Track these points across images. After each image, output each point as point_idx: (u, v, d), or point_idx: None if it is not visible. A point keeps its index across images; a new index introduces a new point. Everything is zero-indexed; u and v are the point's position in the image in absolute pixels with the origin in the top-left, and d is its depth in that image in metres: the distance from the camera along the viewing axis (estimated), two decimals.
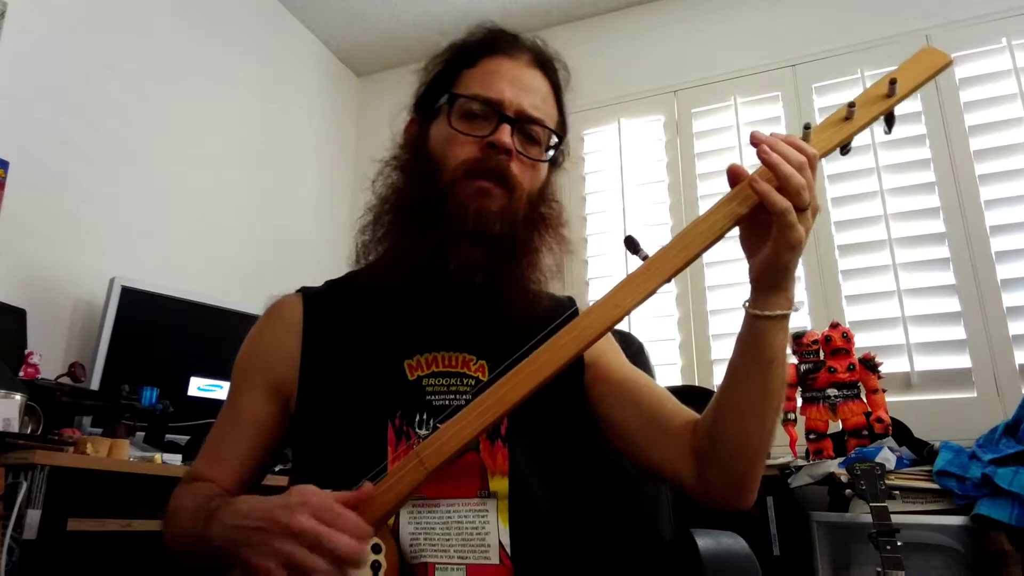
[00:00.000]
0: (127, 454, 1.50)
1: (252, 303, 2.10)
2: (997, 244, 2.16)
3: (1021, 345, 2.08)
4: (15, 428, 1.35)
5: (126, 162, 2.19)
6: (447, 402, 0.78)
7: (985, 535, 1.53)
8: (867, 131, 2.39)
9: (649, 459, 0.81)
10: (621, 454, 0.86)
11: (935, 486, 1.63)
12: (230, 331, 2.08)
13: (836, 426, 1.89)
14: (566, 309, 0.91)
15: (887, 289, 2.24)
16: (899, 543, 1.41)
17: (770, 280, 0.69)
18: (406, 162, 0.88)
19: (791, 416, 1.94)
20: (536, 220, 0.85)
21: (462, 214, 0.79)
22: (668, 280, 0.66)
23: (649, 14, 2.93)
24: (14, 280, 1.82)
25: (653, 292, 0.66)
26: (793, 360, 1.98)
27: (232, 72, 2.68)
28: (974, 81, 2.31)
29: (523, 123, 0.83)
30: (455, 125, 0.83)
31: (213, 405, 1.97)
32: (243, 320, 2.07)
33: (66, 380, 1.76)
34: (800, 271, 2.37)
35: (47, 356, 1.77)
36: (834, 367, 1.91)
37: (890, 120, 0.72)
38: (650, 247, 0.69)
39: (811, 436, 1.90)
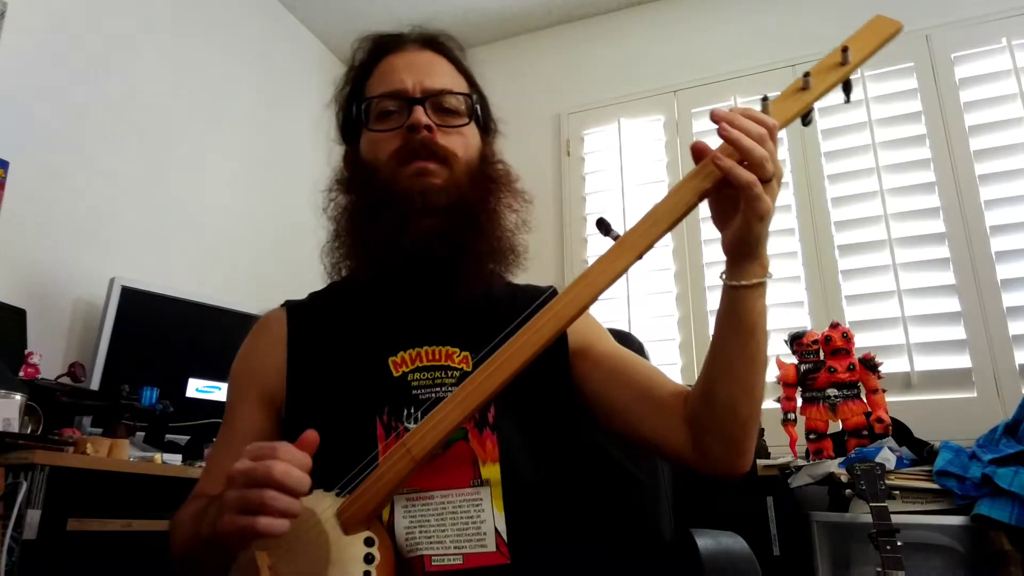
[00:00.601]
0: (127, 454, 1.50)
1: (252, 303, 2.11)
2: (997, 244, 2.16)
3: (1021, 345, 2.08)
4: (15, 428, 1.35)
5: (126, 162, 2.19)
6: (433, 395, 0.79)
7: (985, 535, 1.53)
8: (867, 130, 2.39)
9: (644, 434, 0.83)
10: (616, 435, 0.87)
11: (935, 486, 1.63)
12: (230, 331, 2.09)
13: (836, 426, 1.89)
14: (549, 298, 0.92)
15: (887, 289, 2.24)
16: (899, 543, 1.41)
17: (743, 251, 0.71)
18: (346, 181, 0.92)
19: (791, 416, 1.94)
20: (484, 182, 0.88)
21: (408, 197, 0.81)
22: (640, 257, 0.68)
23: (649, 14, 2.93)
24: (14, 280, 1.82)
25: (625, 270, 0.68)
26: (793, 360, 1.98)
27: (232, 72, 2.68)
28: (974, 81, 2.31)
29: (432, 97, 0.86)
30: (375, 128, 0.86)
31: (211, 406, 1.97)
32: (243, 320, 2.07)
33: (66, 380, 1.76)
34: (800, 271, 2.37)
35: (47, 356, 1.77)
36: (834, 367, 1.91)
37: (847, 88, 0.73)
38: (599, 217, 0.71)
39: (811, 436, 1.90)
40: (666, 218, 0.68)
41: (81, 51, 2.09)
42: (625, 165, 2.74)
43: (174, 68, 2.42)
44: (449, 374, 0.81)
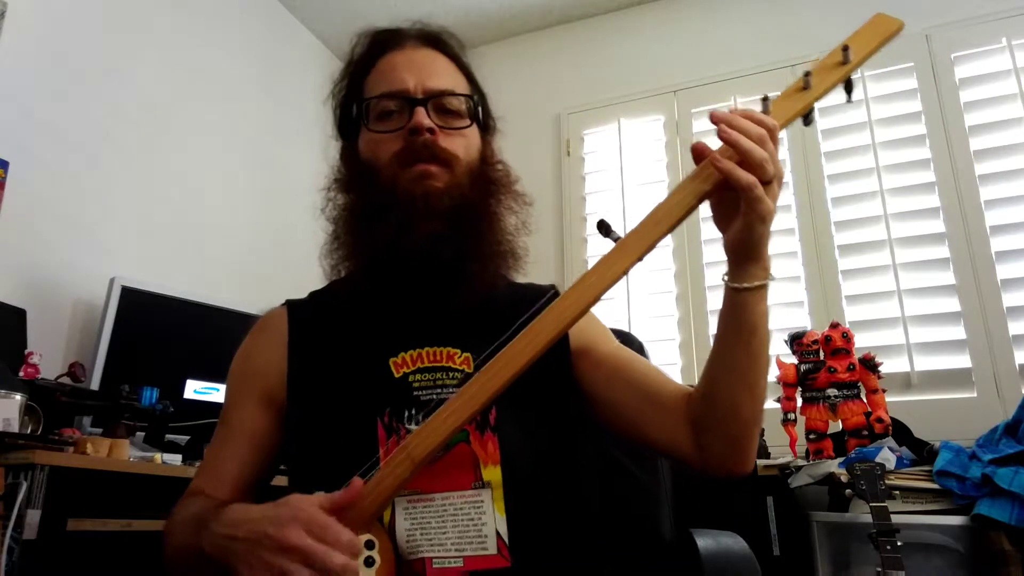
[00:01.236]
0: (127, 454, 1.50)
1: (252, 303, 2.11)
2: (997, 244, 2.16)
3: (1021, 345, 2.08)
4: (15, 428, 1.35)
5: (126, 162, 2.19)
6: (434, 397, 0.79)
7: (985, 535, 1.53)
8: (867, 130, 2.39)
9: (646, 434, 0.83)
10: (618, 435, 0.87)
11: (935, 486, 1.63)
12: (230, 331, 2.09)
13: (836, 426, 1.89)
14: (550, 298, 0.92)
15: (887, 289, 2.25)
16: (899, 543, 1.41)
17: (745, 253, 0.71)
18: (345, 180, 0.91)
19: (791, 416, 1.94)
20: (485, 184, 0.87)
21: (411, 200, 0.80)
22: (640, 259, 0.68)
23: (649, 14, 2.94)
24: (14, 280, 1.82)
25: (626, 272, 0.67)
26: (793, 360, 1.98)
27: (232, 72, 2.68)
28: (974, 81, 2.31)
29: (434, 98, 0.85)
30: (373, 128, 0.85)
31: (209, 407, 1.97)
32: (243, 320, 2.07)
33: (66, 380, 1.76)
34: (800, 271, 2.37)
35: (47, 356, 1.77)
36: (834, 367, 1.91)
37: (848, 87, 0.72)
38: (600, 218, 0.70)
39: (811, 436, 1.90)
40: (666, 220, 0.68)
41: (81, 51, 2.09)
42: (625, 165, 2.74)
43: (174, 68, 2.42)
44: (450, 375, 0.81)
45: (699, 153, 0.69)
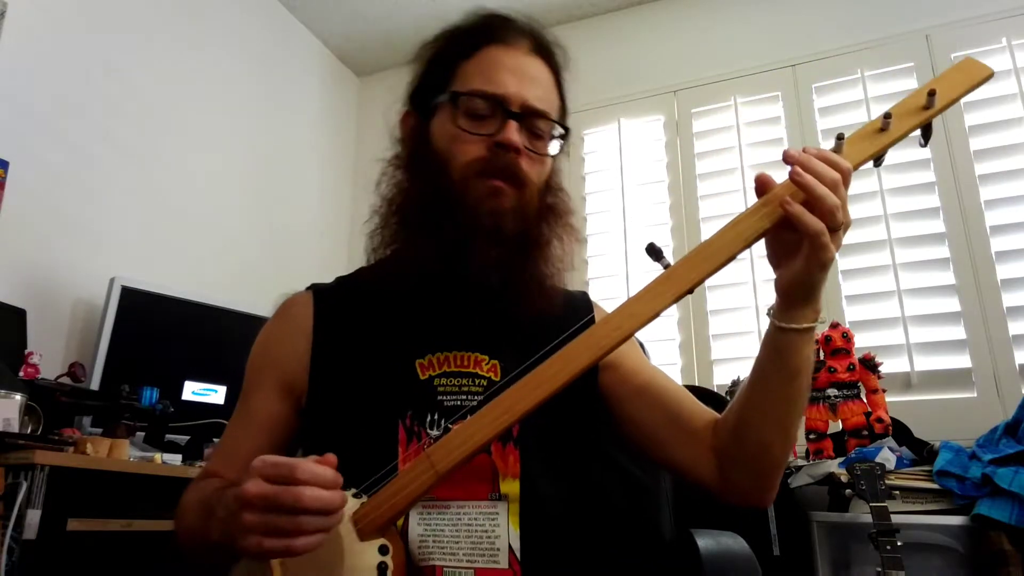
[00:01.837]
0: (127, 454, 1.50)
1: (252, 303, 2.11)
2: (997, 244, 2.16)
3: (1021, 345, 2.08)
4: (15, 428, 1.35)
5: (126, 162, 2.19)
6: (458, 402, 0.78)
7: (985, 535, 1.53)
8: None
9: (670, 457, 0.81)
10: (642, 453, 0.85)
11: (935, 486, 1.63)
12: (230, 332, 2.10)
13: (836, 426, 1.89)
14: (579, 305, 0.91)
15: (887, 289, 2.24)
16: (899, 543, 1.41)
17: (799, 295, 0.68)
18: (409, 160, 0.86)
19: None
20: (545, 212, 0.84)
21: (477, 214, 0.77)
22: (689, 292, 0.65)
23: (649, 14, 2.93)
24: (14, 280, 1.82)
25: (671, 304, 0.65)
26: None
27: (232, 72, 2.68)
28: None
29: (529, 118, 0.81)
30: (460, 124, 0.80)
31: (207, 409, 1.97)
32: (243, 321, 2.08)
33: (66, 380, 1.76)
34: None
35: (47, 356, 1.77)
36: (834, 367, 1.91)
37: (927, 132, 0.69)
38: (649, 241, 0.69)
39: (811, 436, 1.90)
40: (720, 255, 0.65)
41: (81, 51, 2.09)
42: (625, 165, 2.74)
43: (174, 68, 2.42)
44: (476, 382, 0.79)
45: (763, 185, 0.66)
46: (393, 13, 2.97)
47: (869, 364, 1.90)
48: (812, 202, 0.63)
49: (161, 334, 2.00)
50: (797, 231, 0.64)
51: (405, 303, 0.81)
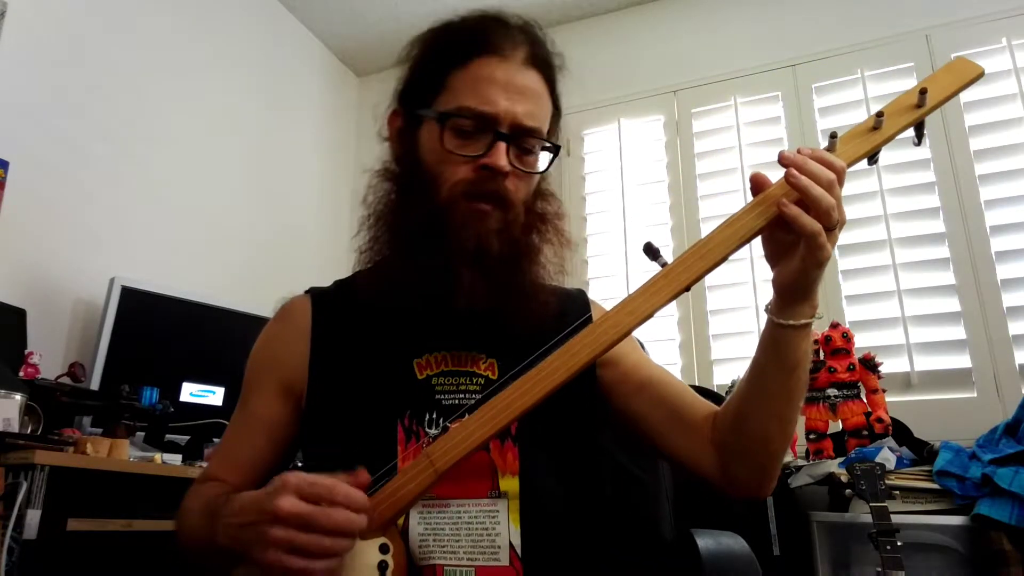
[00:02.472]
0: (127, 454, 1.50)
1: (252, 303, 2.11)
2: (997, 244, 2.16)
3: (1021, 345, 2.08)
4: (15, 428, 1.35)
5: (126, 162, 2.19)
6: (457, 401, 0.78)
7: (985, 535, 1.53)
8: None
9: (670, 451, 0.82)
10: (643, 447, 0.86)
11: (935, 486, 1.63)
12: (230, 332, 2.10)
13: (836, 426, 1.89)
14: (576, 303, 0.91)
15: (887, 289, 2.24)
16: (899, 543, 1.41)
17: (796, 293, 0.69)
18: (397, 173, 0.86)
19: None
20: (533, 221, 0.84)
21: (461, 237, 0.77)
22: (686, 290, 0.66)
23: (649, 14, 2.93)
24: (14, 280, 1.82)
25: (669, 301, 0.66)
26: None
27: (232, 72, 2.68)
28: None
29: (518, 136, 0.80)
30: (447, 145, 0.78)
31: (205, 411, 1.97)
32: (243, 321, 2.07)
33: (66, 380, 1.76)
34: None
35: (47, 356, 1.78)
36: (834, 367, 1.91)
37: (919, 130, 0.70)
38: (646, 241, 0.69)
39: (811, 436, 1.90)
40: (716, 253, 0.66)
41: (81, 51, 2.09)
42: (625, 165, 2.74)
43: (174, 67, 2.42)
44: (474, 381, 0.80)
45: (758, 184, 0.68)
46: (393, 13, 2.97)
47: (869, 364, 1.90)
48: (808, 203, 0.64)
49: (161, 334, 2.00)
50: (792, 231, 0.65)
51: (402, 304, 0.81)
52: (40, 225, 1.91)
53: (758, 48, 2.67)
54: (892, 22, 2.47)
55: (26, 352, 1.69)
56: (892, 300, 2.23)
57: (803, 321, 0.69)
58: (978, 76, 0.70)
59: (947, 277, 2.19)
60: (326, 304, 0.88)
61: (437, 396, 0.79)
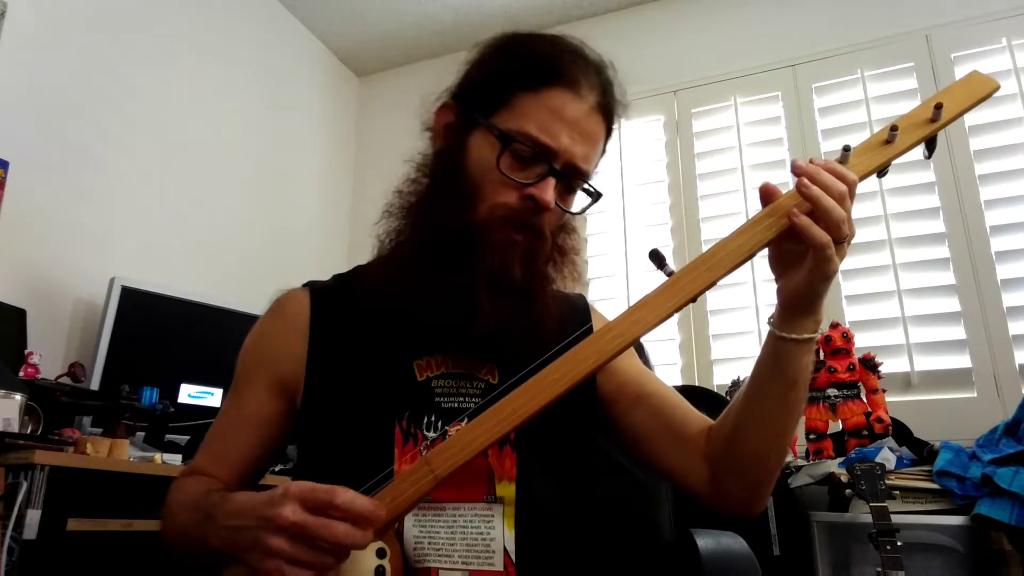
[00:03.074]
0: (127, 454, 1.50)
1: (252, 303, 2.10)
2: (997, 244, 2.16)
3: (1021, 345, 2.08)
4: (15, 428, 1.35)
5: (126, 162, 2.19)
6: (456, 405, 0.78)
7: (985, 535, 1.53)
8: (867, 130, 2.41)
9: (662, 463, 0.82)
10: (635, 458, 0.85)
11: (935, 486, 1.63)
12: (230, 332, 2.08)
13: (836, 426, 1.89)
14: (577, 308, 0.91)
15: (887, 289, 2.24)
16: (899, 543, 1.41)
17: (801, 306, 0.68)
18: (438, 173, 0.83)
19: None
20: (553, 253, 0.83)
21: (488, 259, 0.76)
22: (692, 301, 0.65)
23: (649, 14, 2.93)
24: (14, 280, 1.82)
25: (675, 311, 0.65)
26: None
27: (232, 72, 2.68)
28: None
29: (569, 177, 0.79)
30: (501, 165, 0.77)
31: (203, 412, 1.97)
32: (243, 320, 2.07)
33: (66, 380, 1.76)
34: None
35: (47, 356, 1.78)
36: (834, 367, 1.91)
37: (931, 145, 0.69)
38: (652, 247, 0.68)
39: (811, 436, 1.90)
40: (723, 264, 0.65)
41: (81, 51, 2.09)
42: (625, 165, 2.74)
43: (174, 67, 2.42)
44: (474, 384, 0.79)
45: (767, 194, 0.66)
46: (393, 13, 2.97)
47: (869, 364, 1.90)
48: (819, 214, 0.63)
49: (161, 334, 2.00)
50: (801, 241, 0.64)
51: (404, 303, 0.80)
52: (40, 225, 1.91)
53: (758, 48, 2.67)
54: (892, 22, 2.47)
55: (26, 352, 1.69)
56: (892, 300, 2.23)
57: (806, 336, 0.68)
58: (993, 90, 0.70)
59: (947, 277, 2.19)
60: (326, 300, 0.86)
61: (436, 399, 0.78)
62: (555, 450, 0.79)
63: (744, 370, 1.81)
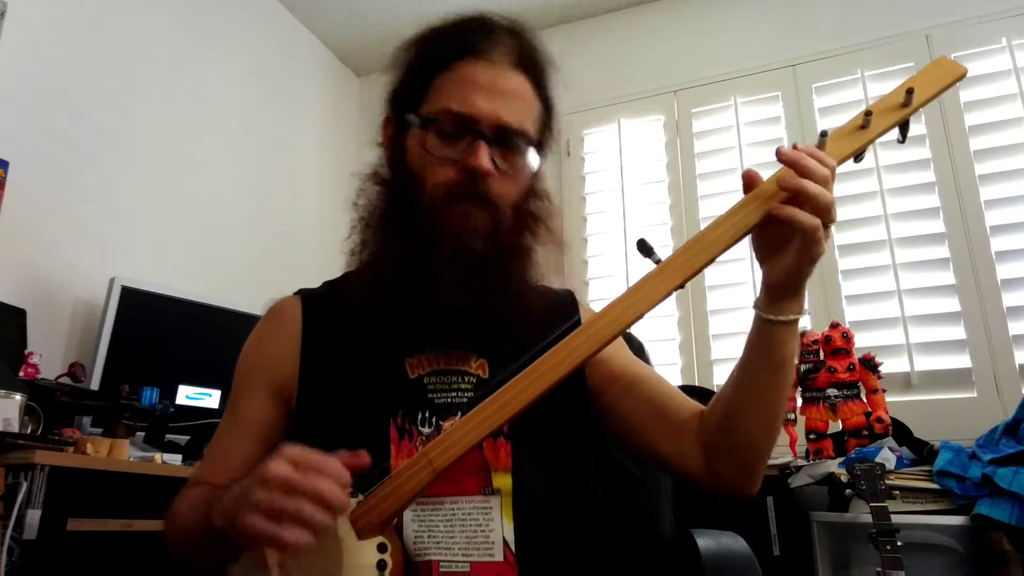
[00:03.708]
0: (127, 454, 1.50)
1: (252, 304, 2.10)
2: (997, 244, 2.16)
3: (1021, 345, 2.08)
4: (15, 428, 1.35)
5: (126, 162, 2.19)
6: (448, 400, 0.79)
7: (985, 535, 1.53)
8: None
9: (657, 452, 0.82)
10: (628, 448, 0.86)
11: (935, 486, 1.63)
12: (230, 332, 2.08)
13: (836, 426, 1.89)
14: (566, 304, 0.92)
15: (887, 289, 2.24)
16: (899, 543, 1.40)
17: (787, 289, 0.70)
18: (387, 178, 0.86)
19: (791, 416, 1.94)
20: (524, 220, 0.84)
21: (444, 238, 0.77)
22: (681, 286, 0.67)
23: (649, 14, 2.93)
24: (14, 280, 1.82)
25: (665, 297, 0.67)
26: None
27: (232, 72, 2.68)
28: (974, 81, 2.31)
29: (502, 137, 0.79)
30: (429, 148, 0.79)
31: (202, 413, 1.97)
32: (243, 321, 2.07)
33: (66, 380, 1.76)
34: None
35: (47, 356, 1.77)
36: (834, 367, 1.91)
37: (904, 129, 0.72)
38: (658, 248, 0.69)
39: (811, 436, 1.90)
40: (710, 249, 0.67)
41: (81, 51, 2.09)
42: (625, 165, 2.74)
43: (174, 68, 2.42)
44: (465, 379, 0.80)
45: (750, 181, 0.69)
46: (393, 13, 2.97)
47: (869, 364, 1.90)
48: (806, 201, 0.65)
49: (161, 334, 1.99)
50: (785, 224, 0.66)
51: (392, 304, 0.81)
52: (40, 225, 1.91)
53: (758, 48, 2.67)
54: (892, 22, 2.47)
55: (26, 352, 1.69)
56: (892, 300, 2.23)
57: (791, 317, 0.70)
58: (961, 76, 0.72)
59: (947, 277, 2.19)
60: (316, 305, 0.88)
61: (429, 395, 0.79)
62: (548, 439, 0.80)
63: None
